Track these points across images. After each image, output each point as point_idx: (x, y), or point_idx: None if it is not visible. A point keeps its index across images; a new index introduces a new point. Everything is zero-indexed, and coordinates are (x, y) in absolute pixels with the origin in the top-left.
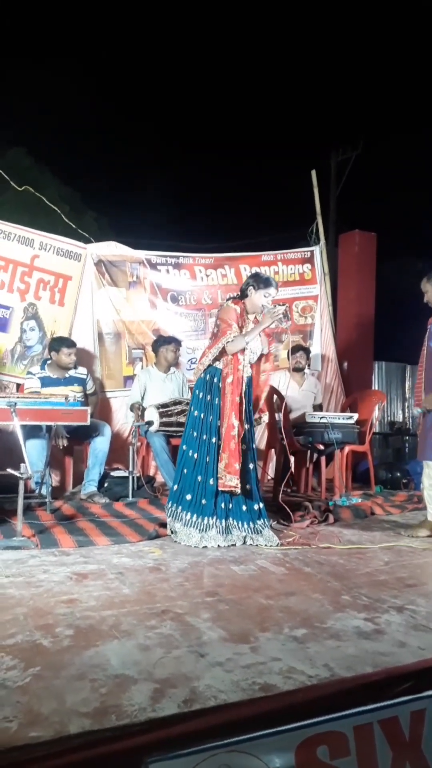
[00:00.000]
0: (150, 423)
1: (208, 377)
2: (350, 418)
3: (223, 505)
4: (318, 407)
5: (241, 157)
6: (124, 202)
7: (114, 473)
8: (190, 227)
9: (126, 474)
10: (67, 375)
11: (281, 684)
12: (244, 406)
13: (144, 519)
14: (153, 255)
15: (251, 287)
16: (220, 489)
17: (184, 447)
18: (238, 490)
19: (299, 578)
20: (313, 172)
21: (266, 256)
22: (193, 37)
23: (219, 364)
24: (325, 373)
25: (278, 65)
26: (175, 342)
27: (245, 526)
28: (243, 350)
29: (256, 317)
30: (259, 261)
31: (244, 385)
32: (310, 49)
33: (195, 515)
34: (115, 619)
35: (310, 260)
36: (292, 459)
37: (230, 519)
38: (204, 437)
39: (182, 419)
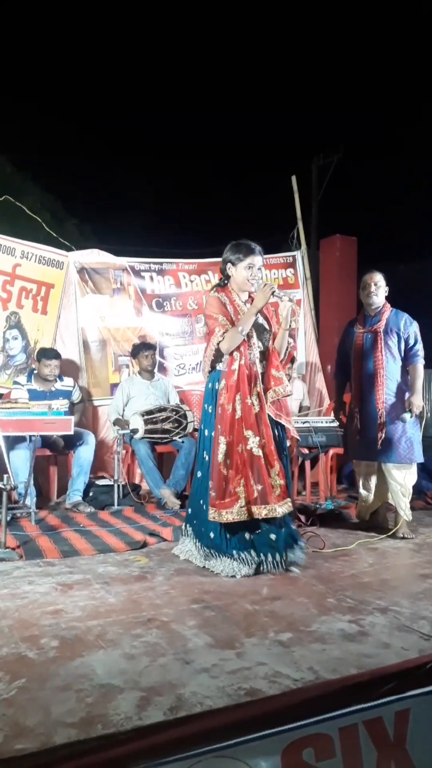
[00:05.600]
0: (135, 431)
1: (210, 385)
2: (334, 421)
3: (247, 536)
4: (306, 408)
5: (224, 161)
6: (106, 208)
7: (99, 482)
8: (173, 233)
9: (111, 482)
10: (53, 389)
11: (267, 688)
12: (254, 410)
13: (130, 527)
14: (136, 262)
15: (229, 264)
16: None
17: (199, 474)
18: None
19: (284, 582)
20: (293, 178)
21: None
22: (174, 41)
23: (220, 366)
24: (309, 376)
25: (258, 70)
26: (148, 348)
27: (271, 559)
28: (245, 343)
29: (250, 296)
30: None
31: (249, 385)
32: (288, 54)
33: (203, 545)
34: (101, 629)
35: (292, 265)
36: None
37: (252, 551)
38: (206, 457)
39: (167, 426)
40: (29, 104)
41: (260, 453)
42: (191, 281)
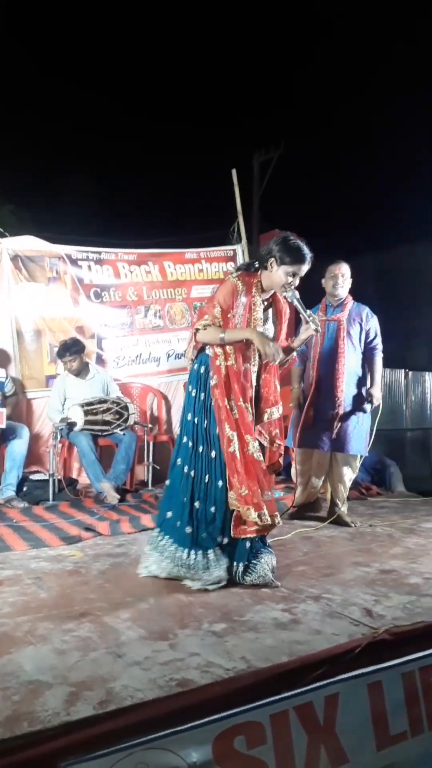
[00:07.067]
0: (73, 424)
1: (202, 369)
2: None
3: (222, 539)
4: None
5: (165, 156)
6: (44, 196)
7: (33, 476)
8: (112, 224)
9: (46, 477)
10: None
11: (198, 679)
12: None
13: (65, 522)
14: (73, 250)
15: (273, 259)
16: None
17: (179, 461)
18: (275, 521)
19: None
20: (234, 171)
21: (190, 253)
22: (118, 30)
23: (208, 350)
24: None
25: (204, 63)
26: (68, 351)
27: (238, 564)
28: (243, 345)
29: (272, 297)
30: (182, 258)
31: (242, 390)
32: (231, 49)
33: (186, 549)
34: (31, 625)
35: (233, 258)
36: None
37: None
38: (200, 449)
39: (108, 417)
40: None
41: (261, 458)
42: (131, 272)
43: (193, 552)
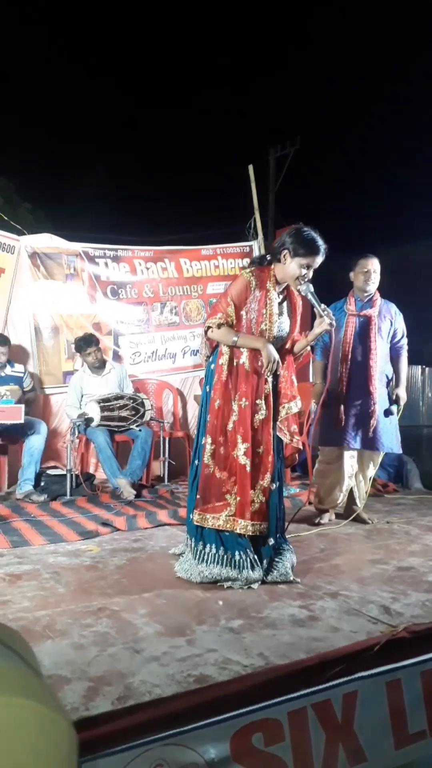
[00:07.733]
0: (90, 419)
1: (212, 366)
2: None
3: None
4: None
5: (181, 152)
6: (60, 194)
7: (51, 471)
8: (128, 221)
9: (63, 472)
10: (2, 374)
11: (216, 675)
12: (255, 416)
13: (82, 517)
14: (90, 247)
15: (287, 251)
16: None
17: (197, 462)
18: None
19: None
20: (250, 167)
21: (206, 250)
22: (134, 24)
23: (218, 347)
24: None
25: (220, 60)
26: (89, 344)
27: (262, 561)
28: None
29: (286, 290)
30: (198, 255)
31: (251, 387)
32: (247, 46)
33: (212, 545)
34: (49, 619)
35: (249, 255)
36: None
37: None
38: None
39: (124, 413)
40: None
41: (246, 462)
42: (147, 269)
43: (236, 552)
